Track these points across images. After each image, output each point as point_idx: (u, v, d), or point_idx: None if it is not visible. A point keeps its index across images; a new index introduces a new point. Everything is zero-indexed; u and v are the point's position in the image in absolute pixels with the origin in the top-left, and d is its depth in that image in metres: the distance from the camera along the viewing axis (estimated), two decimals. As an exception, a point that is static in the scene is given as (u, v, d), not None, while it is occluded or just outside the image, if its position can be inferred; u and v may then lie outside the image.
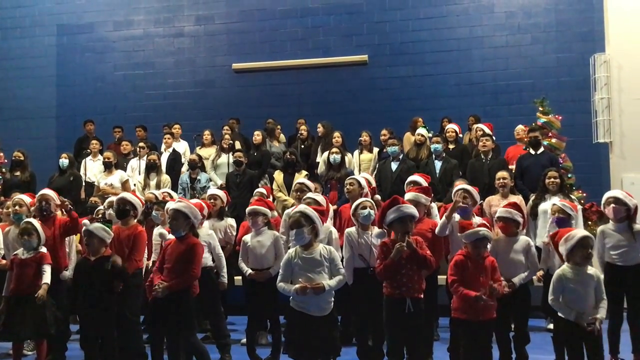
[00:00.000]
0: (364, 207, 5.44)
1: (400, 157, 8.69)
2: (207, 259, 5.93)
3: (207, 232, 6.08)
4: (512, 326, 5.36)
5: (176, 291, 4.87)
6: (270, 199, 7.46)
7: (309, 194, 6.18)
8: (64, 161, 9.12)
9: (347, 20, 12.30)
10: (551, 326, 6.00)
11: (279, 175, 8.77)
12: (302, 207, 4.82)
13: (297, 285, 4.39)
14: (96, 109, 12.62)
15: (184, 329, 4.98)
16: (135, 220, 5.98)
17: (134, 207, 5.99)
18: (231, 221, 6.89)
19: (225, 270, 6.15)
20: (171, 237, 5.39)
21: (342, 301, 5.81)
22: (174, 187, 8.88)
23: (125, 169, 9.58)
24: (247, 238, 5.92)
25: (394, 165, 8.53)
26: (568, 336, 4.54)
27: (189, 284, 5.02)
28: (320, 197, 6.06)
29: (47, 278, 5.57)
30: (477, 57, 11.72)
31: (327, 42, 12.33)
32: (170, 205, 5.42)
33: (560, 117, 9.08)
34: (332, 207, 6.81)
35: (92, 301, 5.22)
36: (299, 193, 6.60)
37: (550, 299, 4.53)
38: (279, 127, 10.60)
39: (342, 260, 5.13)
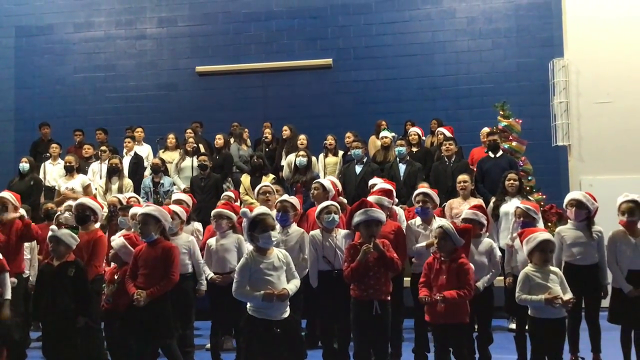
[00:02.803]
0: (329, 212, 5.46)
1: (364, 160, 8.75)
2: (187, 265, 5.88)
3: (188, 238, 6.01)
4: (476, 326, 5.44)
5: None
6: (238, 202, 7.43)
7: (284, 197, 6.17)
8: (25, 165, 8.94)
9: (312, 24, 12.31)
10: (513, 326, 6.10)
11: (246, 179, 8.74)
12: (265, 209, 4.72)
13: (262, 292, 4.23)
14: (56, 112, 12.38)
15: (164, 335, 4.92)
16: (98, 225, 5.88)
17: (93, 213, 5.90)
18: (198, 225, 6.82)
19: (204, 276, 6.00)
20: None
21: (307, 304, 5.84)
22: (137, 192, 8.76)
23: (86, 173, 9.41)
24: (212, 241, 5.88)
25: (357, 168, 8.58)
26: (538, 333, 4.60)
27: (169, 289, 4.96)
28: (295, 200, 6.07)
29: (7, 294, 5.38)
30: (439, 61, 11.86)
31: (291, 46, 12.33)
32: (139, 210, 5.33)
33: (520, 121, 9.23)
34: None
35: (54, 307, 5.12)
36: (267, 195, 6.58)
37: (517, 296, 4.61)
38: (246, 130, 10.54)
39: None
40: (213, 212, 5.92)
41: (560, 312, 4.56)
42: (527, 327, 4.98)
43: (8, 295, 5.40)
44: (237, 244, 5.79)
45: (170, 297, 5.08)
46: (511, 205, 6.61)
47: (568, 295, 4.53)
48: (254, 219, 4.36)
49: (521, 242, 4.87)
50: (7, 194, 6.13)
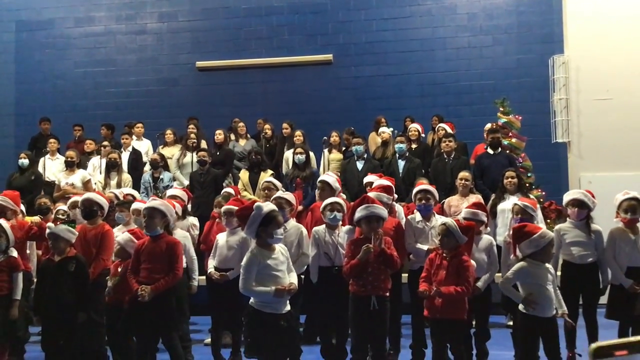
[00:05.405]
0: (332, 210, 5.47)
1: (365, 156, 8.74)
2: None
3: (183, 234, 6.00)
4: (473, 323, 5.45)
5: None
6: (238, 198, 7.41)
7: (279, 193, 6.17)
8: (24, 161, 8.96)
9: (312, 20, 12.30)
10: (511, 323, 6.13)
11: (244, 174, 8.74)
12: (275, 206, 4.72)
13: (273, 288, 4.21)
14: (56, 107, 12.38)
15: (169, 327, 4.94)
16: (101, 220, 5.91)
17: (100, 207, 5.93)
18: (193, 220, 6.81)
19: (196, 273, 6.05)
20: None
21: (306, 300, 5.85)
22: (136, 187, 8.75)
23: (86, 168, 9.41)
24: (222, 237, 5.86)
25: (359, 165, 8.57)
26: (524, 330, 4.64)
27: (173, 284, 4.97)
28: (290, 196, 6.06)
29: (18, 294, 5.43)
30: (440, 57, 11.85)
31: (291, 41, 12.31)
32: (143, 203, 5.35)
33: (520, 117, 9.25)
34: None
35: (55, 302, 5.14)
36: (266, 191, 6.59)
37: (501, 281, 4.69)
38: (240, 124, 10.45)
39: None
40: (223, 209, 5.85)
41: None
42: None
43: (18, 295, 5.44)
44: (241, 242, 5.75)
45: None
46: (510, 203, 6.61)
47: (564, 307, 4.67)
48: (269, 214, 4.33)
49: (515, 236, 4.73)
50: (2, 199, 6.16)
